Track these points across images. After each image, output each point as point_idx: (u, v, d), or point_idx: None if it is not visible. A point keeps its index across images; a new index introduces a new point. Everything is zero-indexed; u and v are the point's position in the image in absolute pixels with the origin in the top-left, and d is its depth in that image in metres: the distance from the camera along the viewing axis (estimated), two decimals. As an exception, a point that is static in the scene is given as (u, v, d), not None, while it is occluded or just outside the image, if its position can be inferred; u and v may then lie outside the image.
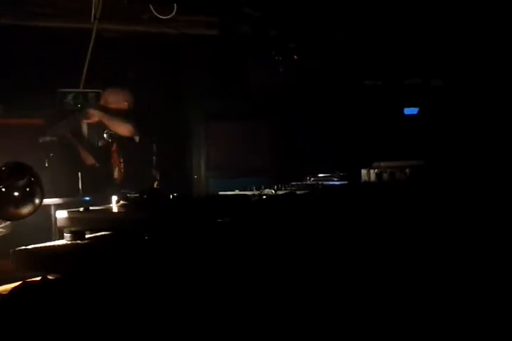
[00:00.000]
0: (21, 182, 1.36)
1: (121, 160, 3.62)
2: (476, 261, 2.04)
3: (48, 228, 2.92)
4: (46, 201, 2.34)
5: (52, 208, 2.97)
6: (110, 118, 3.55)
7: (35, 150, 3.30)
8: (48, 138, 3.35)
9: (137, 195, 1.62)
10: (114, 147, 3.67)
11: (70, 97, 3.95)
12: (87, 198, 3.19)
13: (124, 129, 3.56)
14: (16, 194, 1.36)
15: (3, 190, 1.34)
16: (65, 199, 3.06)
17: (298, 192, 2.16)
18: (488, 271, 1.97)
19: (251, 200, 1.95)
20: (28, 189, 1.39)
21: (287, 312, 1.49)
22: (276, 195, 2.06)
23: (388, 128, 4.76)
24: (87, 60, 4.13)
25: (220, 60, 4.61)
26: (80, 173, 3.30)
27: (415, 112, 4.92)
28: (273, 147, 4.89)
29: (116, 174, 3.64)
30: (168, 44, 4.58)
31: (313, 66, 4.44)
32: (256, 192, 2.13)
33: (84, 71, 4.16)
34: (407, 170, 2.72)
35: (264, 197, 2.01)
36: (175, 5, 3.19)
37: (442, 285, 1.85)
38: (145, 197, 1.57)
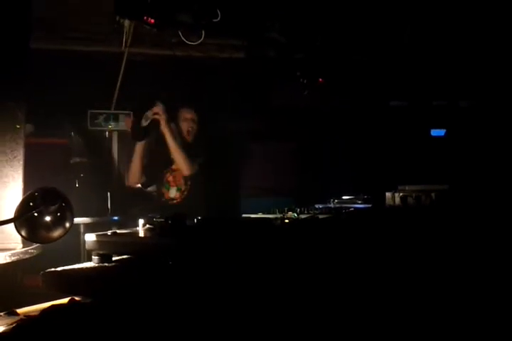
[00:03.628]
0: (53, 208, 1.42)
1: (189, 183, 3.54)
2: (503, 288, 2.00)
3: (76, 246, 3.00)
4: (76, 220, 2.41)
5: (82, 227, 3.05)
6: (168, 122, 3.47)
7: (65, 171, 3.40)
8: (78, 159, 3.44)
9: (162, 219, 1.67)
10: (177, 166, 3.58)
11: (101, 118, 4.08)
12: (116, 218, 3.25)
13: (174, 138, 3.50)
14: (48, 219, 1.42)
15: (36, 214, 1.40)
16: (95, 219, 3.14)
17: (320, 217, 2.17)
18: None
19: (274, 225, 1.97)
20: (59, 214, 1.45)
21: (307, 335, 1.50)
22: (298, 219, 2.08)
23: (414, 149, 4.73)
24: (119, 83, 4.27)
25: (246, 82, 4.68)
26: (109, 193, 3.38)
27: (442, 134, 4.88)
28: (297, 167, 4.91)
29: (173, 194, 3.56)
30: (195, 66, 4.69)
31: (338, 87, 4.47)
32: (279, 216, 2.15)
33: (116, 93, 4.29)
34: (433, 195, 2.70)
35: (287, 221, 2.03)
36: (203, 31, 3.29)
37: (468, 314, 1.82)
38: (170, 222, 1.61)
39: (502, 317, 1.76)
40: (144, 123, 3.37)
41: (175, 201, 3.54)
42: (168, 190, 3.56)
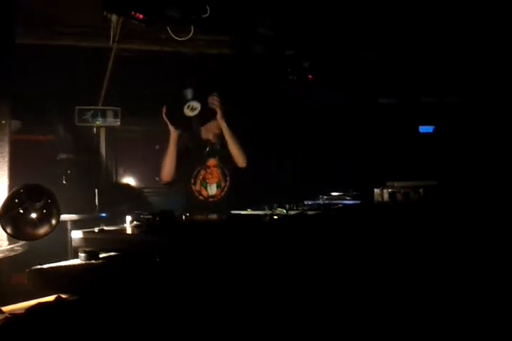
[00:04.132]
0: (39, 204, 1.41)
1: (228, 179, 3.37)
2: (492, 284, 2.02)
3: (63, 243, 2.97)
4: (63, 217, 2.39)
5: (69, 224, 3.02)
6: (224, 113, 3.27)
7: (52, 167, 3.36)
8: (64, 156, 3.40)
9: (150, 216, 1.65)
10: (213, 162, 3.39)
11: (88, 114, 4.05)
12: (103, 215, 3.21)
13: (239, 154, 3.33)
14: (34, 215, 1.41)
15: (21, 211, 1.38)
16: (82, 216, 3.11)
17: (309, 213, 2.17)
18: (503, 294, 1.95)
19: (263, 221, 1.97)
20: (44, 210, 1.44)
21: (299, 330, 1.50)
22: (287, 216, 2.08)
23: (403, 146, 4.75)
24: (106, 78, 4.24)
25: (236, 79, 4.67)
26: (96, 190, 3.34)
27: (431, 130, 4.91)
28: (286, 164, 4.91)
29: (213, 191, 3.37)
30: (184, 62, 4.66)
31: (326, 84, 4.47)
32: (268, 212, 2.15)
33: (104, 89, 4.26)
34: (421, 191, 2.71)
35: (276, 217, 2.03)
36: (192, 27, 3.27)
37: (457, 309, 1.84)
38: (157, 219, 1.60)
39: (493, 313, 1.78)
40: (190, 113, 3.18)
41: (215, 198, 3.36)
42: (206, 187, 3.37)
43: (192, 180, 3.37)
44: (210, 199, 3.35)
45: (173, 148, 3.27)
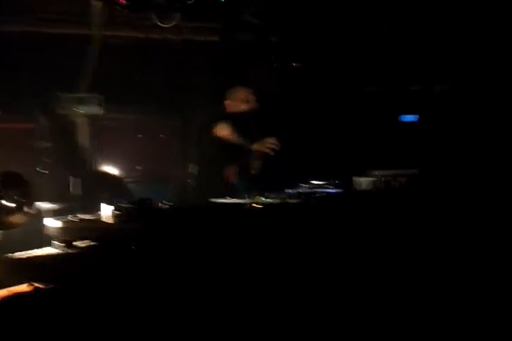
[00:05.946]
0: (14, 193, 1.39)
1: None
2: (474, 270, 2.03)
3: (39, 232, 2.94)
4: (38, 205, 2.36)
5: (44, 212, 2.98)
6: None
7: (31, 156, 3.32)
8: (43, 144, 3.35)
9: (129, 204, 1.64)
10: None
11: (70, 102, 3.99)
12: (76, 205, 3.17)
13: None
14: (8, 204, 1.39)
15: (-4, 199, 1.36)
16: (60, 205, 3.07)
17: (289, 201, 2.17)
18: (487, 279, 1.96)
19: (242, 209, 1.96)
20: (20, 199, 1.42)
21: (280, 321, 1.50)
22: (267, 204, 2.07)
23: (386, 135, 4.75)
24: (91, 66, 4.17)
25: (221, 65, 4.63)
26: (75, 179, 3.29)
27: (413, 119, 4.90)
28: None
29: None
30: (171, 50, 4.61)
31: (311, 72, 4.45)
32: (247, 200, 2.14)
33: (88, 76, 4.19)
34: (402, 179, 2.73)
35: (256, 205, 2.02)
36: (177, 14, 3.23)
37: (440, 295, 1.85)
38: (135, 207, 1.59)
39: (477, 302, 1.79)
40: None
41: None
42: None
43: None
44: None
45: None
